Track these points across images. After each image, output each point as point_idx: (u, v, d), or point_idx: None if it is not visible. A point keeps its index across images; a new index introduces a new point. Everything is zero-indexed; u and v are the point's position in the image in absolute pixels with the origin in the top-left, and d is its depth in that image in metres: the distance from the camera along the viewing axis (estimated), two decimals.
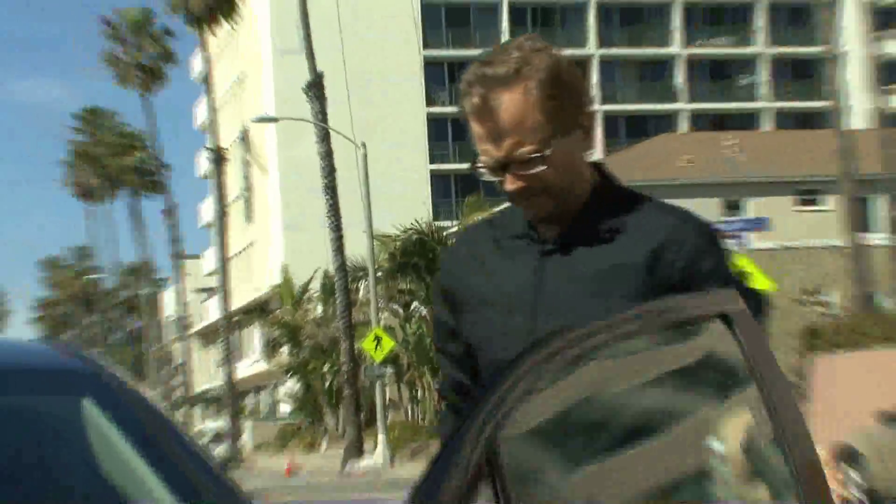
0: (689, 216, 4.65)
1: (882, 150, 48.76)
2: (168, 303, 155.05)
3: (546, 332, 3.87)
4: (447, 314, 4.87)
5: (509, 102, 4.24)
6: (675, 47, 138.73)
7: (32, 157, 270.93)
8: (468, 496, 3.06)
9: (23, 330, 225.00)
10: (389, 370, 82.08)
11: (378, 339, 35.82)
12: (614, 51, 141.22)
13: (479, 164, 4.39)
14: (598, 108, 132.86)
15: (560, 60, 4.38)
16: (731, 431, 3.76)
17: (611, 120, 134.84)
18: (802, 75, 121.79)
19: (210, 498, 3.81)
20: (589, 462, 3.72)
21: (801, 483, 3.45)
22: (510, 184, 4.28)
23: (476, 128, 4.37)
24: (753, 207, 72.56)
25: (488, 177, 4.42)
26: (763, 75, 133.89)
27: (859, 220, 52.34)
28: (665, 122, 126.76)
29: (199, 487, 3.83)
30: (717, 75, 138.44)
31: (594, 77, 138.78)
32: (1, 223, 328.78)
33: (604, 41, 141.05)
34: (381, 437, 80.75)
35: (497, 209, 4.99)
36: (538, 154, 4.20)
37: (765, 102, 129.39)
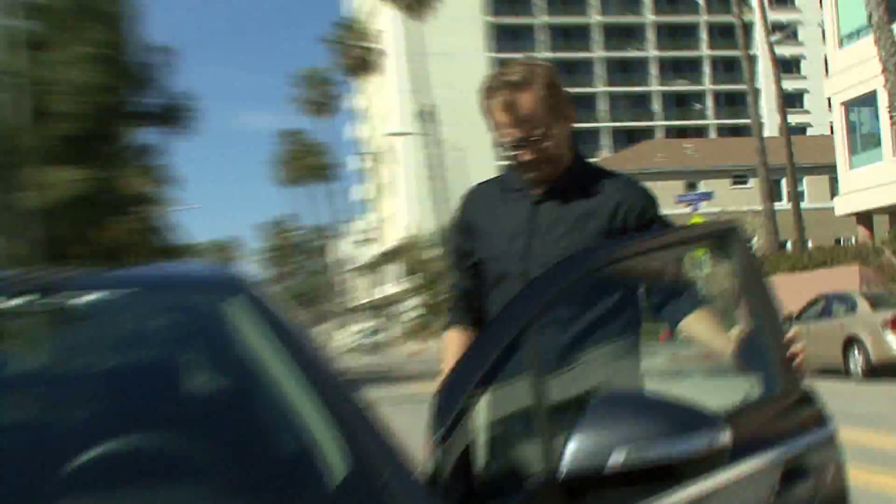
0: (635, 182, 4.69)
1: (785, 149, 48.99)
2: (339, 249, 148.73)
3: (541, 257, 4.20)
4: (462, 240, 4.69)
5: (524, 100, 4.17)
6: (653, 86, 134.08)
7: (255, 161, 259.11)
8: (491, 376, 2.87)
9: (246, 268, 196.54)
10: None
11: None
12: (613, 88, 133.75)
13: (503, 145, 4.30)
14: (605, 124, 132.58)
15: (552, 72, 4.40)
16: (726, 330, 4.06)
17: (614, 132, 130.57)
18: (735, 103, 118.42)
19: (317, 375, 2.88)
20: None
21: (780, 355, 3.56)
22: (527, 155, 4.22)
23: (501, 117, 4.24)
24: (703, 186, 68.79)
25: (509, 152, 4.31)
26: (709, 103, 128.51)
27: (771, 194, 52.80)
28: (647, 133, 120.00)
29: (310, 370, 2.92)
30: (679, 103, 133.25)
31: (601, 105, 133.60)
32: (236, 206, 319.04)
33: (609, 82, 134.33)
34: None
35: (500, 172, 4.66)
36: (545, 135, 4.18)
37: (710, 121, 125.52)
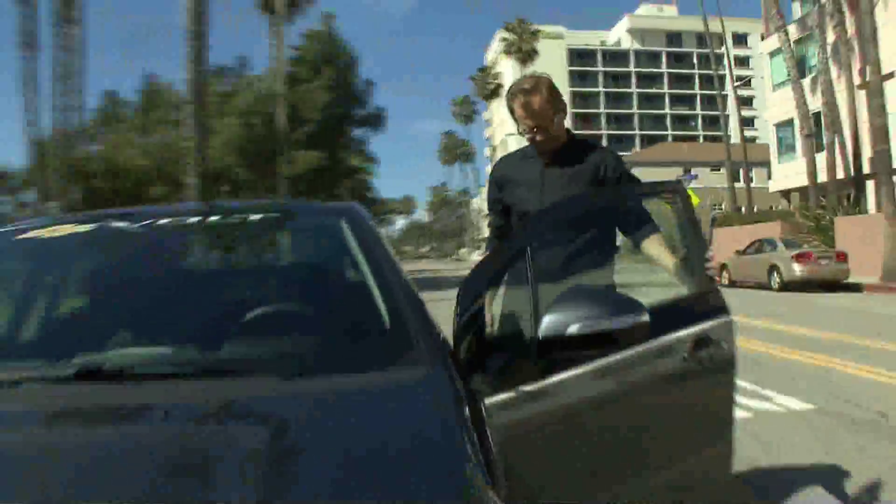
0: (609, 149, 4.51)
1: (742, 151, 48.17)
2: (473, 203, 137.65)
3: (549, 201, 3.97)
4: (496, 191, 4.49)
5: (535, 100, 4.14)
6: (667, 110, 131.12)
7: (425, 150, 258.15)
8: (500, 274, 3.05)
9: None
10: None
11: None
12: (643, 111, 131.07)
13: (522, 130, 4.21)
14: (637, 132, 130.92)
15: (551, 81, 4.27)
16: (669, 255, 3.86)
17: (641, 138, 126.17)
18: (714, 122, 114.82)
19: (380, 267, 2.85)
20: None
21: (700, 268, 3.53)
22: (538, 136, 4.15)
23: (520, 112, 4.15)
24: (693, 171, 68.99)
25: (527, 135, 4.20)
26: (699, 122, 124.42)
27: (732, 178, 51.99)
28: (662, 138, 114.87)
29: (376, 263, 2.85)
30: (681, 121, 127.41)
31: (635, 122, 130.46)
32: (412, 176, 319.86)
33: (641, 106, 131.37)
34: None
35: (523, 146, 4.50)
36: (550, 122, 4.12)
37: (699, 132, 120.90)
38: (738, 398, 7.99)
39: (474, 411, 2.17)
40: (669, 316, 3.34)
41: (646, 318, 2.67)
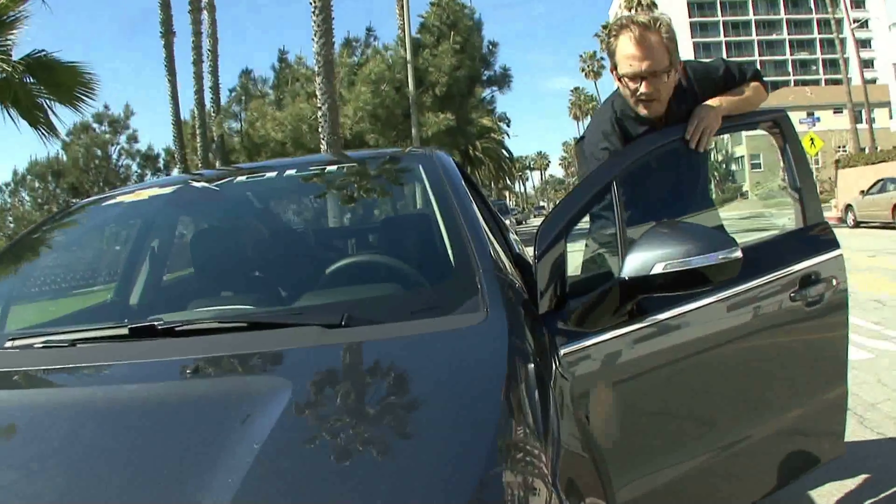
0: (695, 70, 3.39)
1: (864, 93, 47.50)
2: None
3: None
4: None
5: (653, 37, 3.06)
6: (788, 55, 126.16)
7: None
8: (583, 213, 2.71)
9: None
10: None
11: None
12: (767, 57, 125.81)
13: (626, 80, 3.13)
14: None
15: (671, 24, 3.20)
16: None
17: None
18: (835, 65, 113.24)
19: (452, 209, 2.60)
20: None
21: (810, 199, 3.22)
22: (645, 87, 3.10)
23: (630, 49, 3.08)
24: (816, 114, 67.46)
25: (628, 82, 3.14)
26: (820, 66, 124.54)
27: (854, 119, 50.66)
28: (785, 83, 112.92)
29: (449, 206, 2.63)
30: (803, 66, 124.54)
31: (760, 67, 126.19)
32: (544, 133, 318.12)
33: (765, 53, 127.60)
34: None
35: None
36: (665, 72, 3.09)
37: (821, 76, 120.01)
38: (859, 338, 7.83)
39: (539, 361, 1.98)
40: (776, 251, 3.13)
41: (738, 254, 2.41)
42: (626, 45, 3.11)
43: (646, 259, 2.41)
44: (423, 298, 2.36)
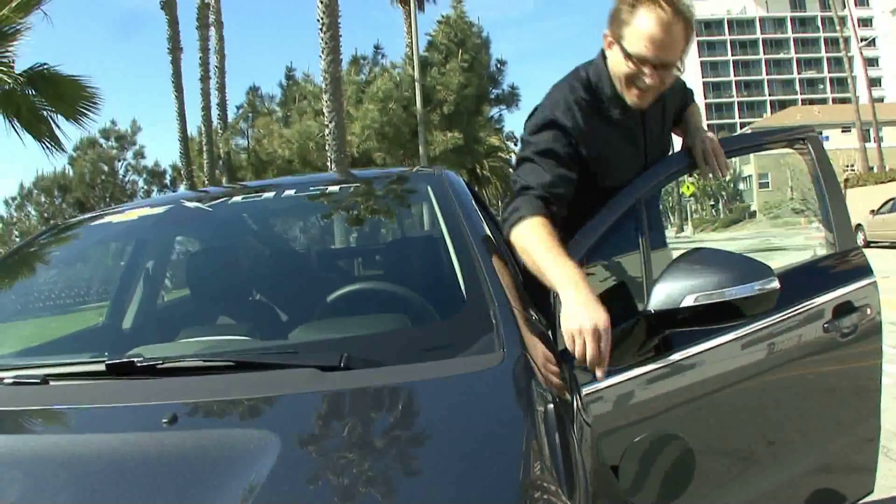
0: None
1: (871, 111, 47.59)
2: None
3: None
4: (567, 142, 2.70)
5: (677, 30, 2.56)
6: (795, 74, 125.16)
7: None
8: (604, 240, 2.57)
9: None
10: None
11: None
12: (772, 76, 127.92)
13: (635, 53, 2.60)
14: (767, 98, 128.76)
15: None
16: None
17: (771, 102, 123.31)
18: (842, 84, 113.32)
19: (461, 233, 2.42)
20: None
21: (840, 222, 3.02)
22: (651, 78, 2.61)
23: (655, 31, 2.56)
24: (824, 133, 67.83)
25: (632, 63, 2.63)
26: (827, 85, 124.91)
27: (863, 138, 50.63)
28: (792, 103, 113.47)
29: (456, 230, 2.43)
30: (810, 85, 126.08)
31: (765, 87, 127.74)
32: None
33: (771, 72, 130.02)
34: None
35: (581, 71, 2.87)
36: (673, 69, 2.66)
37: (828, 94, 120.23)
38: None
39: (559, 402, 1.78)
40: (807, 279, 2.99)
41: (775, 284, 2.25)
42: (649, 23, 2.60)
43: (674, 290, 2.24)
44: (432, 336, 2.16)
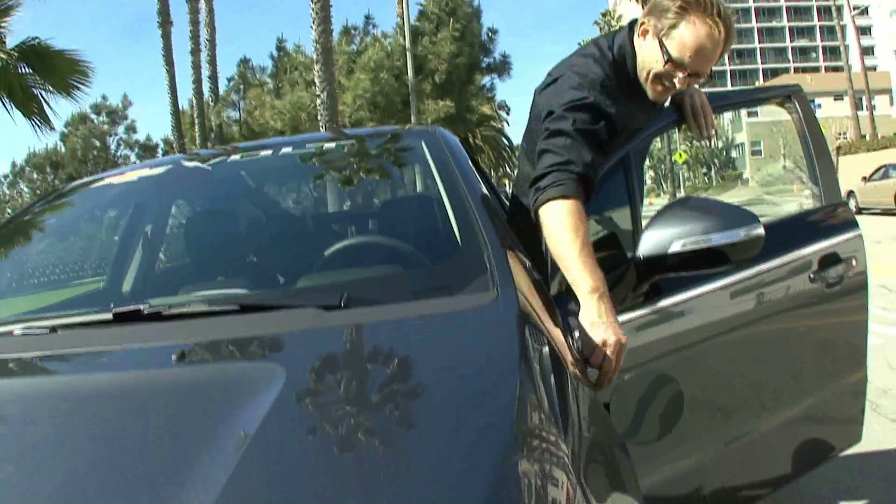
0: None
1: (864, 80, 47.63)
2: None
3: None
4: (601, 113, 2.52)
5: (716, 46, 2.43)
6: (787, 42, 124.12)
7: None
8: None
9: None
10: None
11: None
12: (764, 45, 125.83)
13: (676, 59, 2.48)
14: (759, 66, 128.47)
15: None
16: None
17: (763, 71, 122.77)
18: (835, 53, 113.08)
19: (455, 186, 2.42)
20: None
21: (826, 178, 3.07)
22: (681, 83, 2.52)
23: (702, 42, 2.45)
24: (816, 101, 67.79)
25: (666, 65, 2.51)
26: (820, 53, 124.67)
27: (855, 106, 50.65)
28: (785, 70, 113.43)
29: (450, 182, 2.46)
30: (803, 53, 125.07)
31: (757, 55, 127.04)
32: None
33: (763, 40, 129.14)
34: None
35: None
36: (703, 80, 2.61)
37: (821, 63, 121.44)
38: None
39: (555, 343, 1.80)
40: (793, 231, 3.04)
41: (760, 230, 2.30)
42: (700, 36, 2.49)
43: (663, 237, 2.30)
44: (428, 278, 2.22)
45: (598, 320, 2.15)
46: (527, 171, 2.74)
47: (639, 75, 2.65)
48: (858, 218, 3.12)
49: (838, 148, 42.62)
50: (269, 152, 3.25)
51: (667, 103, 2.87)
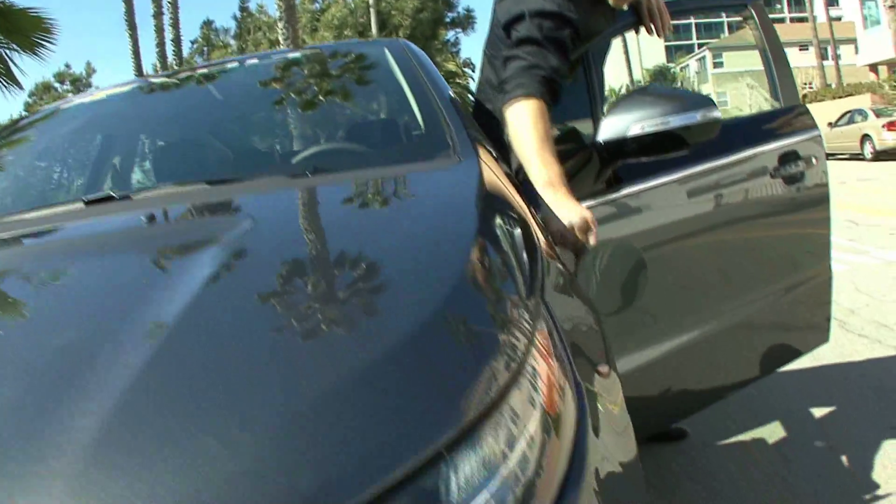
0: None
1: (829, 30, 47.74)
2: None
3: None
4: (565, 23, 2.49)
5: None
6: None
7: None
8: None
9: None
10: None
11: None
12: None
13: None
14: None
15: None
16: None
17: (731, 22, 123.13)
18: (800, 3, 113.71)
19: (420, 84, 2.46)
20: None
21: (784, 82, 3.15)
22: None
23: None
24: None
25: None
26: (785, 5, 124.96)
27: (820, 55, 50.89)
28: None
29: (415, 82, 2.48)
30: (767, 4, 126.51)
31: None
32: None
33: None
34: None
35: None
36: None
37: (786, 14, 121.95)
38: (836, 253, 7.71)
39: (515, 205, 1.74)
40: (752, 129, 3.06)
41: (716, 113, 2.32)
42: None
43: (622, 122, 2.33)
44: (393, 152, 2.27)
45: (558, 206, 2.18)
46: (489, 77, 2.88)
47: None
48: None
49: (804, 96, 42.91)
50: (235, 64, 3.30)
51: (625, 7, 2.87)
